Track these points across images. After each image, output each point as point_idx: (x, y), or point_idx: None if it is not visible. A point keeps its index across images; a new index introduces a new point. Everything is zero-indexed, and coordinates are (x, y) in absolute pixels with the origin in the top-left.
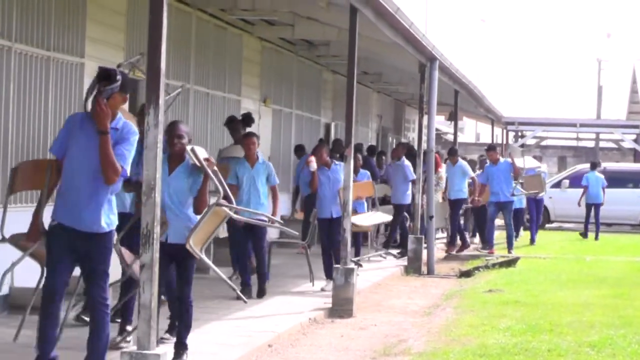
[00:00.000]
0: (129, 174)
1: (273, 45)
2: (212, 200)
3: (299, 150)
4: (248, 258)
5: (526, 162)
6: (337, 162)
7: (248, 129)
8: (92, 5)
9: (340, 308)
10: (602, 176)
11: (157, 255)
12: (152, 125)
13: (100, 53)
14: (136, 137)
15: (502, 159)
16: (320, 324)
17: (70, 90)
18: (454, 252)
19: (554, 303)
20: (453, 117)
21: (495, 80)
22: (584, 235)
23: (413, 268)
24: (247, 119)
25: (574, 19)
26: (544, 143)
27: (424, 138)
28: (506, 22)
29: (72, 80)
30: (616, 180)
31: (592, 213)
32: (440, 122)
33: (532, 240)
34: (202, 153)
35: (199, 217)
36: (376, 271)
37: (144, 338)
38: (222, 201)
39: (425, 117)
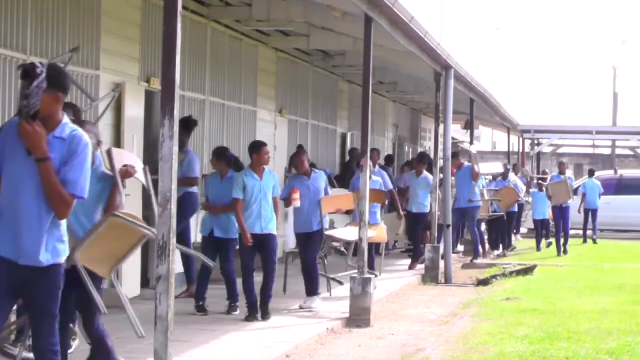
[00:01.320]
0: (86, 196)
1: (288, 55)
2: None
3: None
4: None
5: (491, 166)
6: (316, 171)
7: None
8: (107, 18)
9: (358, 318)
10: (599, 183)
11: (173, 266)
12: (167, 137)
13: (116, 65)
14: (89, 149)
15: (466, 164)
16: (338, 334)
17: (86, 104)
18: (416, 267)
19: (572, 310)
20: (469, 126)
21: (510, 89)
22: (584, 240)
23: (430, 277)
24: (188, 123)
25: (589, 26)
26: (560, 151)
27: (440, 147)
28: (521, 30)
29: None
30: (632, 187)
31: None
32: (457, 131)
33: (559, 251)
34: (126, 159)
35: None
36: (393, 280)
37: (162, 350)
38: (124, 213)
39: (442, 126)
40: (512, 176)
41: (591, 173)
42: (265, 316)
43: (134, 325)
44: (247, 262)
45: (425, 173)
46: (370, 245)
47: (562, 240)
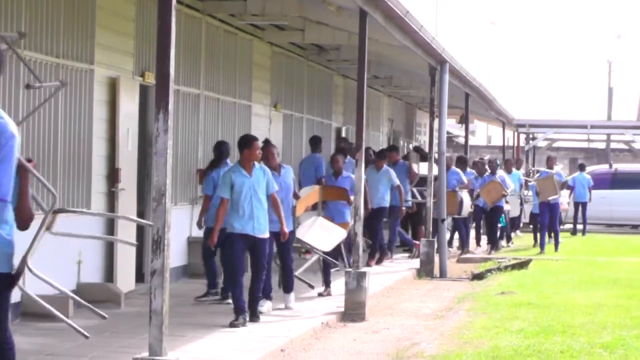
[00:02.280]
0: (9, 198)
1: (283, 50)
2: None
3: None
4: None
5: (421, 167)
6: (284, 166)
7: None
8: (102, 12)
9: (353, 312)
10: (589, 177)
11: (168, 261)
12: (161, 130)
13: (110, 59)
14: (15, 141)
15: (401, 161)
16: (332, 328)
17: (79, 97)
18: (372, 265)
19: (567, 304)
20: (464, 120)
21: (505, 83)
22: (573, 232)
23: (425, 271)
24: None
25: (584, 21)
26: (555, 145)
27: (435, 141)
28: (516, 24)
29: (82, 87)
30: (627, 181)
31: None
32: (451, 125)
33: (542, 247)
34: None
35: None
36: (388, 275)
37: (156, 344)
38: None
39: (436, 121)
40: (500, 172)
41: (582, 167)
42: (254, 318)
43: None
44: (235, 264)
45: (387, 167)
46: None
47: (546, 237)
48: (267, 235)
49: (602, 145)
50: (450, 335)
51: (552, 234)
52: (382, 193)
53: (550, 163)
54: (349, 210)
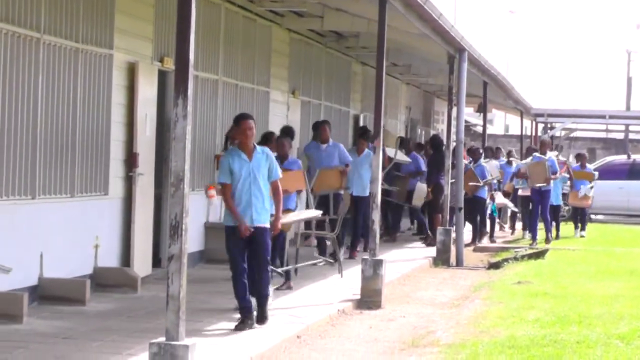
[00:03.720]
0: None
1: (302, 36)
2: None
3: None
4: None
5: (399, 154)
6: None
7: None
8: None
9: (369, 300)
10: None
11: (186, 246)
12: (180, 116)
13: (129, 44)
14: None
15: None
16: (348, 316)
17: (98, 82)
18: (356, 256)
19: (583, 295)
20: (482, 109)
21: (524, 72)
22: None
23: (442, 260)
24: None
25: (603, 10)
26: (573, 135)
27: (453, 130)
28: (535, 13)
29: (101, 72)
30: None
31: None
32: (470, 114)
33: (534, 237)
34: None
35: None
36: (405, 263)
37: (173, 329)
38: None
39: (455, 109)
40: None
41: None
42: (262, 320)
43: None
44: (236, 260)
45: (368, 151)
46: (277, 238)
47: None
48: (267, 224)
49: (621, 136)
50: (466, 324)
51: (543, 223)
52: (365, 180)
53: (544, 148)
54: (296, 198)
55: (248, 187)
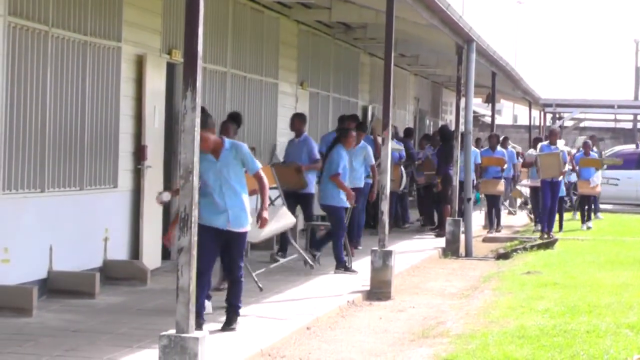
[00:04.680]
0: None
1: (310, 28)
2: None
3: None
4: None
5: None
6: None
7: None
8: None
9: (379, 291)
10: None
11: (195, 238)
12: (189, 108)
13: (137, 37)
14: None
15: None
16: (358, 307)
17: (107, 75)
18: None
19: (593, 284)
20: (490, 100)
21: (532, 62)
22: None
23: (451, 250)
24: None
25: (612, 0)
26: (581, 125)
27: (462, 120)
28: (543, 3)
29: (109, 65)
30: None
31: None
32: (478, 105)
33: (544, 228)
34: None
35: None
36: (414, 254)
37: (183, 321)
38: None
39: (463, 100)
40: (561, 143)
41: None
42: (228, 329)
43: None
44: (201, 261)
45: (364, 143)
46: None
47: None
48: (245, 228)
49: (629, 125)
50: (476, 314)
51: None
52: (359, 172)
53: (553, 138)
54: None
55: (219, 189)
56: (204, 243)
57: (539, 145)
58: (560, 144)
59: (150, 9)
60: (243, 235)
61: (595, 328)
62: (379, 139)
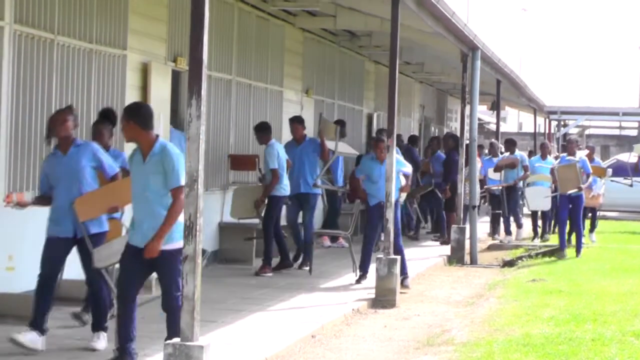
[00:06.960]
0: None
1: (315, 36)
2: None
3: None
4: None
5: (342, 146)
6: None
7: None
8: None
9: (383, 299)
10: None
11: (200, 246)
12: (194, 116)
13: (143, 45)
14: None
15: (308, 138)
16: (363, 315)
17: (112, 83)
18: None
19: (598, 292)
20: (495, 107)
21: (537, 70)
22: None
23: (456, 258)
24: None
25: (616, 7)
26: (586, 132)
27: (467, 128)
28: (547, 10)
29: (115, 72)
30: None
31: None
32: (483, 112)
33: (562, 245)
34: None
35: None
36: (419, 261)
37: (188, 329)
38: None
39: (468, 107)
40: (581, 154)
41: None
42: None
43: None
44: (124, 284)
45: (310, 138)
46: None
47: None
48: (172, 245)
49: (634, 133)
50: (481, 322)
51: (575, 234)
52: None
53: (571, 148)
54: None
55: (140, 201)
56: (126, 262)
57: (559, 156)
58: (582, 153)
59: (156, 16)
60: (169, 252)
61: (601, 336)
62: (327, 142)
